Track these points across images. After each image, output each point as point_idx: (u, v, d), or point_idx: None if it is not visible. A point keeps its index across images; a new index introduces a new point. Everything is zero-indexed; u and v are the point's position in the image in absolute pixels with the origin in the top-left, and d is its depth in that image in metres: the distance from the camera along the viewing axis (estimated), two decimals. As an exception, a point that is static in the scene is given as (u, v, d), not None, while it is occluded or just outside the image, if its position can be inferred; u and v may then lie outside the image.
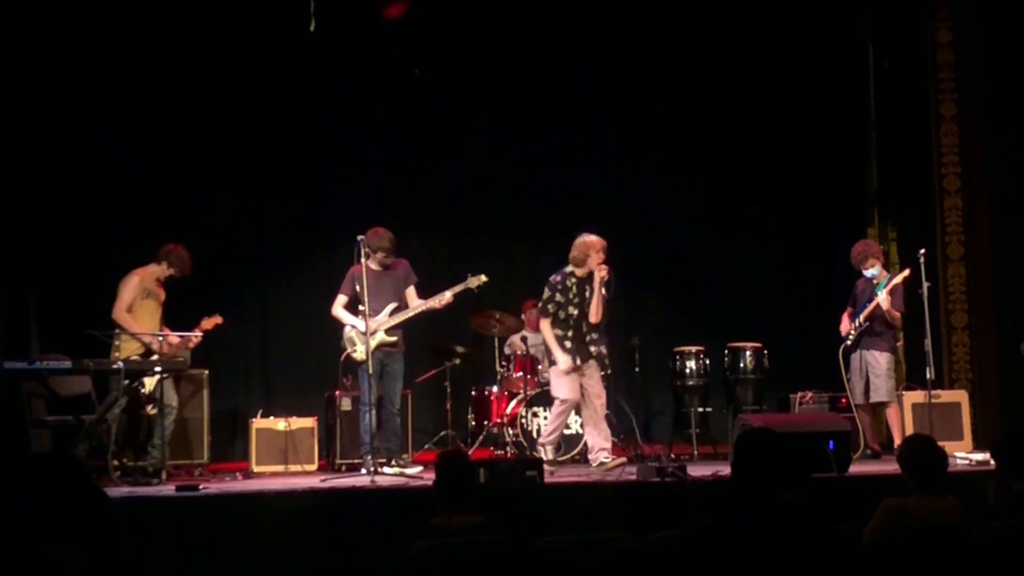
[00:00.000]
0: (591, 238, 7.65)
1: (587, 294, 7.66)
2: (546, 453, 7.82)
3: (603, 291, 7.58)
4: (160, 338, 7.83)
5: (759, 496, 3.50)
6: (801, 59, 10.60)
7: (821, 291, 10.05)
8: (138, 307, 7.86)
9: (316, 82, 9.99)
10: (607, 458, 7.50)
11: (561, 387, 7.72)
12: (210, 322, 8.18)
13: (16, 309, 8.40)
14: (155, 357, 7.62)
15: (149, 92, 9.47)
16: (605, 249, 7.63)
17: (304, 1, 8.13)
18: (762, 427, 6.39)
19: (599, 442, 7.60)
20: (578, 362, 7.61)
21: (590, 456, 7.71)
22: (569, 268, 7.72)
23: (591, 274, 7.62)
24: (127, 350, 7.70)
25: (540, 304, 7.82)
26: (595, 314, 7.63)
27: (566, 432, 8.73)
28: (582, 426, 8.71)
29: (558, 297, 7.67)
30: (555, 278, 7.72)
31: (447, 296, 7.93)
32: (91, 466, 7.24)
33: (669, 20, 10.40)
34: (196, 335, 8.02)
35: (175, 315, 8.26)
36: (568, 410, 7.88)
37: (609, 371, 7.95)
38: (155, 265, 7.99)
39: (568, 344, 7.66)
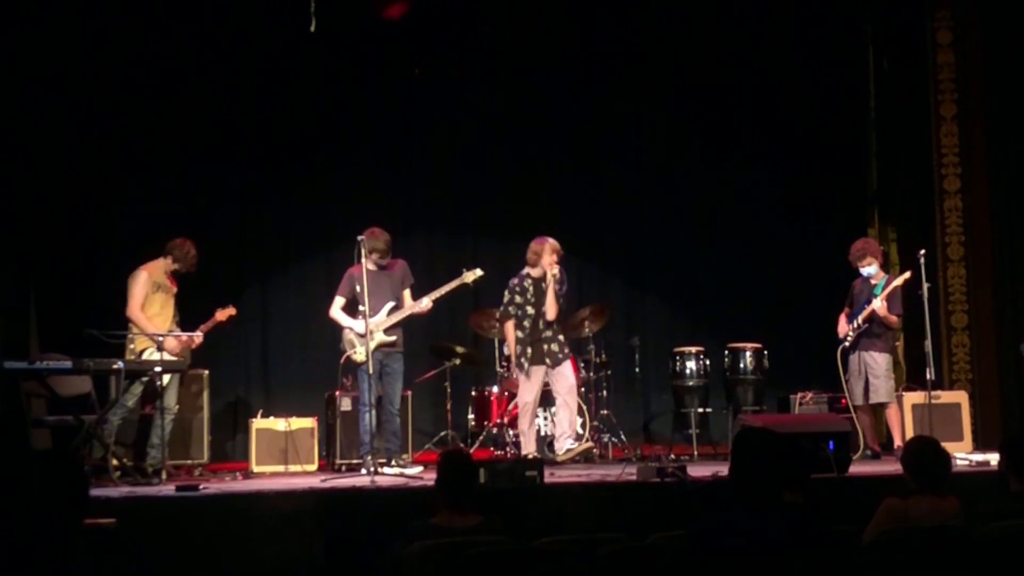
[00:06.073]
0: (541, 240, 8.13)
1: (542, 294, 8.08)
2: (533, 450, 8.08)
3: (556, 288, 8.01)
4: (177, 335, 7.85)
5: (758, 497, 3.48)
6: (801, 59, 10.59)
7: (821, 291, 10.03)
8: (149, 302, 7.90)
9: (316, 82, 9.99)
10: (572, 444, 7.91)
11: (522, 390, 8.13)
12: (224, 313, 8.24)
13: (16, 309, 8.39)
14: (165, 355, 7.60)
15: (149, 92, 9.47)
16: (557, 250, 8.06)
17: (304, 1, 8.13)
18: (760, 427, 6.38)
19: (564, 428, 7.98)
20: (525, 364, 8.00)
21: (556, 444, 8.04)
22: (526, 270, 8.18)
23: (545, 274, 8.07)
24: (141, 347, 7.75)
25: (501, 307, 8.22)
26: (551, 311, 8.06)
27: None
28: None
29: (517, 299, 8.12)
30: (513, 281, 8.19)
31: (426, 302, 7.94)
32: (91, 466, 7.27)
33: (669, 21, 10.41)
34: (198, 334, 8.03)
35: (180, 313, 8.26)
36: (531, 411, 8.11)
37: (561, 360, 8.10)
38: (161, 259, 8.07)
39: (518, 347, 8.05)
